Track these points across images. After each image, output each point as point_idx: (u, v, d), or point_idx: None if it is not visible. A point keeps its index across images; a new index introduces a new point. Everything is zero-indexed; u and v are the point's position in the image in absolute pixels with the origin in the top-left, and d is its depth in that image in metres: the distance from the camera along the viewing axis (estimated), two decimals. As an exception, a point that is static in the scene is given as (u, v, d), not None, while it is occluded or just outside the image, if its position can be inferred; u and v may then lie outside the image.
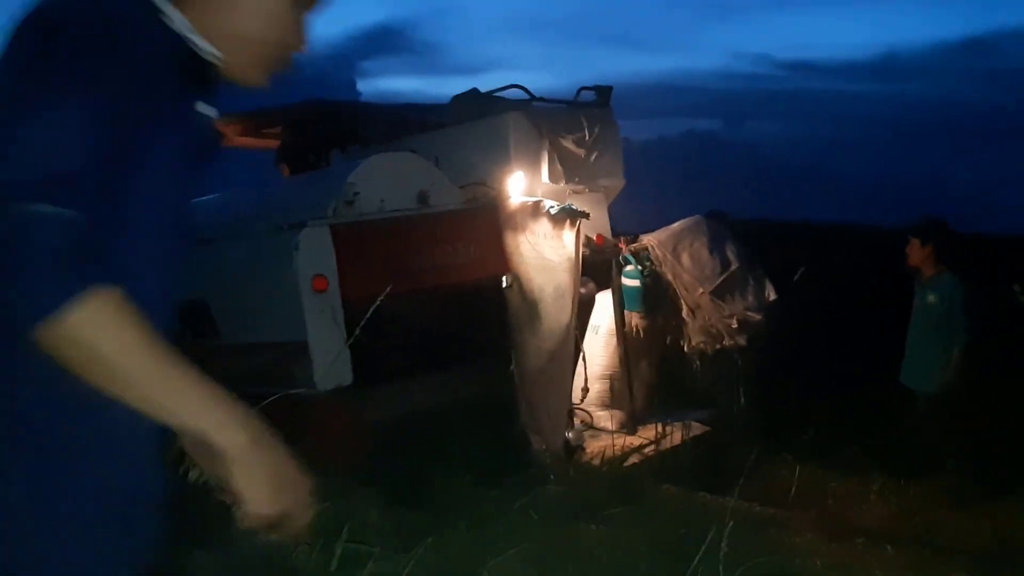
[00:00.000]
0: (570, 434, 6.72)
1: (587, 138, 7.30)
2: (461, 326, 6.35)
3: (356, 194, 5.99)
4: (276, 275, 5.68)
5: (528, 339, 6.44)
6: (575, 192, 7.24)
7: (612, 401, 7.75)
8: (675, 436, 7.34)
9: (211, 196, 7.99)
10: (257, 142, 8.75)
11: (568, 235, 6.30)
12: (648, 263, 7.79)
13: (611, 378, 7.74)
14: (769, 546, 3.83)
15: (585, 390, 7.43)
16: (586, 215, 6.38)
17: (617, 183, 7.70)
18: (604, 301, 7.82)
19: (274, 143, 8.51)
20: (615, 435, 7.36)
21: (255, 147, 8.85)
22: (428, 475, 5.00)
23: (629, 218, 8.80)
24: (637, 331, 7.95)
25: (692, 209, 8.56)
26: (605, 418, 7.64)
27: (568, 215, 6.24)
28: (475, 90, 7.45)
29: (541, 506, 4.25)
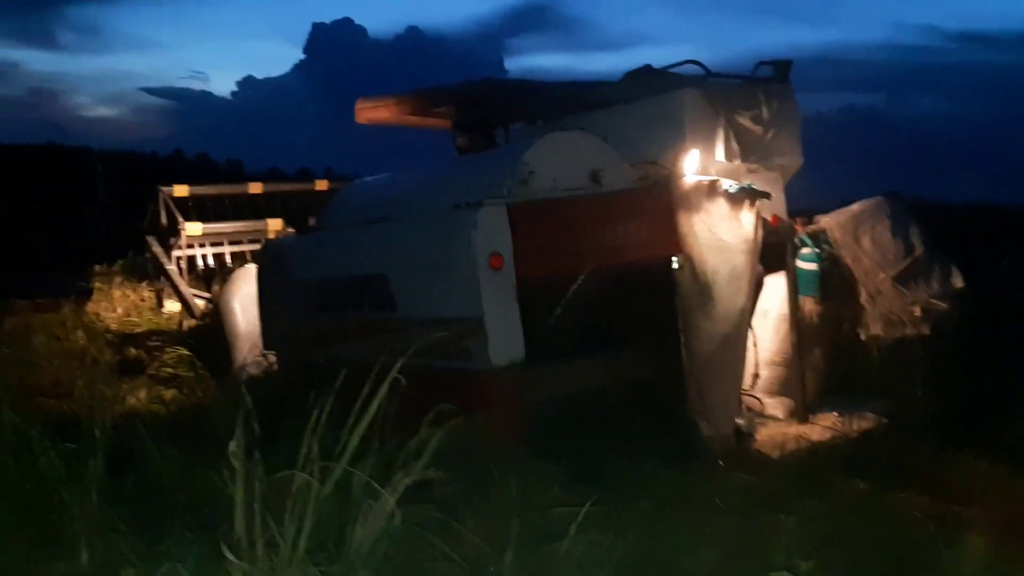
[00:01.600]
0: (741, 421, 6.53)
1: (764, 115, 7.04)
2: (630, 307, 6.29)
3: (531, 173, 6.00)
4: (453, 253, 5.77)
5: (700, 322, 6.29)
6: (750, 171, 6.99)
7: (781, 388, 7.49)
8: (851, 427, 7.02)
9: (386, 175, 8.24)
10: (427, 121, 8.90)
11: (747, 216, 6.09)
12: (826, 246, 7.47)
13: (781, 365, 7.49)
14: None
15: (755, 376, 7.21)
16: (767, 195, 6.16)
17: (794, 162, 7.39)
18: (773, 284, 7.54)
19: (443, 122, 8.63)
20: (786, 424, 7.14)
21: (425, 126, 9.01)
22: (602, 454, 4.96)
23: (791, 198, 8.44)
24: (811, 317, 7.65)
25: (854, 189, 8.13)
26: (774, 405, 7.40)
27: (748, 195, 6.03)
28: (648, 67, 7.31)
29: (723, 493, 4.13)
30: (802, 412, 7.26)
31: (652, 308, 6.25)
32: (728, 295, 6.21)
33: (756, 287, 7.49)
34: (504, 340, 5.63)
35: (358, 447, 2.87)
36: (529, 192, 5.98)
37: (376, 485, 2.55)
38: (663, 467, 4.88)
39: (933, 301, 7.52)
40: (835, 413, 7.30)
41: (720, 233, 6.18)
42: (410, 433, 3.76)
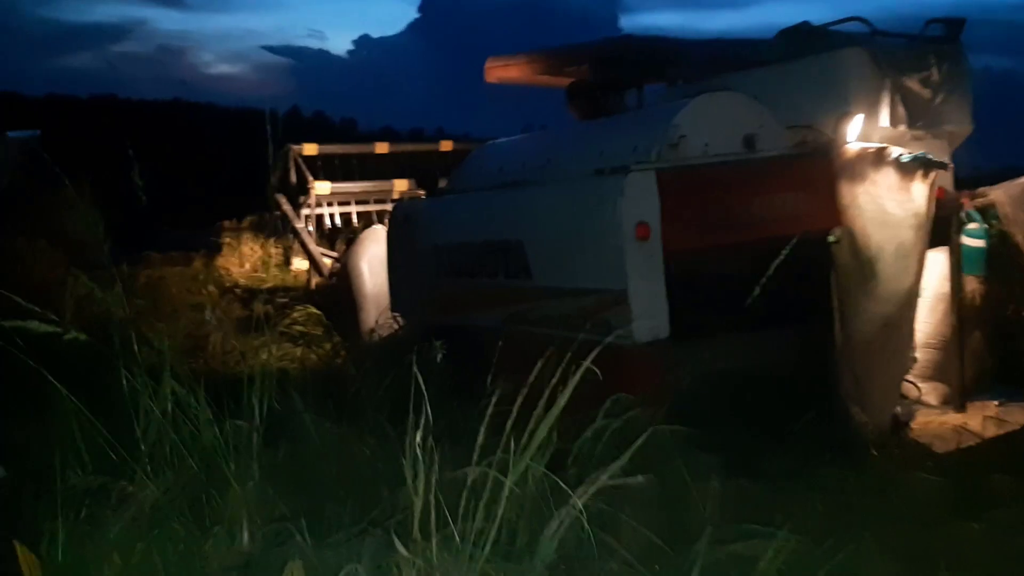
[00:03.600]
0: (899, 409, 6.09)
1: (934, 77, 6.46)
2: (783, 284, 5.90)
3: (681, 137, 5.67)
4: (596, 221, 5.51)
5: (860, 302, 5.84)
6: (916, 138, 6.44)
7: (936, 373, 6.97)
8: (1015, 417, 6.48)
9: (522, 137, 8.02)
10: (558, 80, 8.60)
11: (919, 187, 5.60)
12: (995, 221, 6.86)
13: (937, 348, 6.96)
14: None
15: (913, 360, 6.71)
16: (945, 166, 5.64)
17: (964, 128, 6.78)
18: (932, 261, 6.98)
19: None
20: (940, 411, 6.66)
21: (555, 86, 8.72)
22: (754, 442, 4.66)
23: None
24: (972, 297, 7.07)
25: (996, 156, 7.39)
26: (928, 391, 6.90)
27: (921, 165, 5.53)
28: (806, 23, 6.81)
29: (900, 495, 3.79)
30: (958, 400, 6.76)
31: (808, 286, 5.83)
32: (894, 274, 5.75)
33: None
34: (648, 315, 5.36)
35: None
36: (679, 157, 5.65)
37: (564, 486, 2.34)
38: (819, 459, 4.55)
39: (1113, 284, 6.84)
40: (995, 402, 6.77)
41: (887, 206, 5.70)
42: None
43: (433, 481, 2.24)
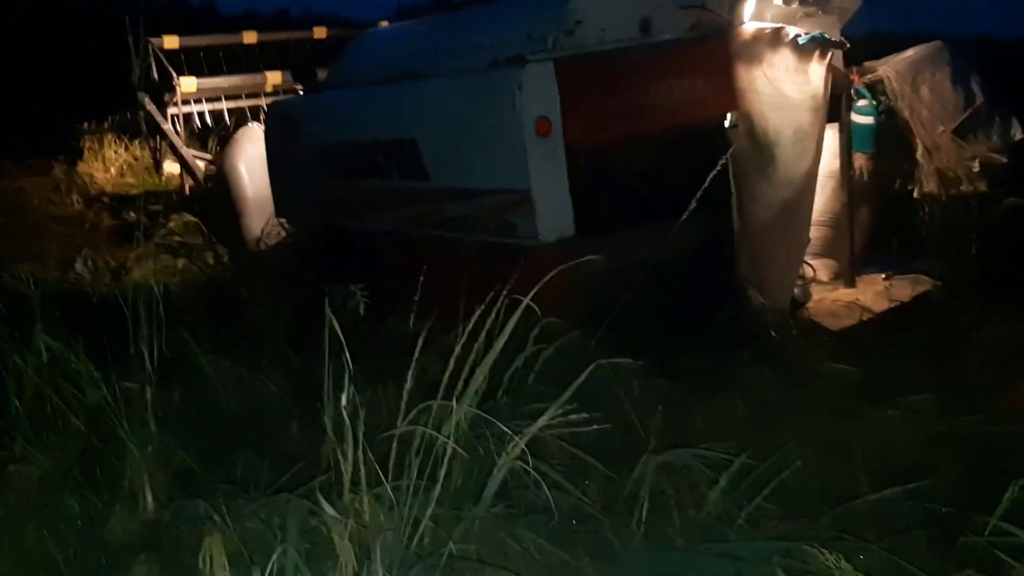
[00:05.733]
0: (797, 290, 6.19)
1: (824, -50, 6.32)
2: (684, 172, 5.80)
3: (577, 23, 5.38)
4: (494, 116, 5.23)
5: (758, 187, 5.82)
6: (807, 15, 6.33)
7: (827, 250, 7.12)
8: (903, 291, 6.70)
9: (406, 23, 7.53)
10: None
11: (816, 69, 5.52)
12: (883, 97, 6.90)
13: (828, 225, 7.08)
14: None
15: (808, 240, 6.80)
16: (843, 46, 5.56)
17: (853, 4, 6.69)
18: (822, 139, 7.03)
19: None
20: (831, 287, 6.83)
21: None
22: (666, 338, 4.62)
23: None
24: (860, 173, 7.18)
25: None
26: (819, 267, 7.05)
27: (819, 45, 5.43)
28: None
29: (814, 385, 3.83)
30: (849, 275, 6.93)
31: (710, 173, 5.76)
32: (792, 157, 5.72)
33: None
34: (553, 213, 5.19)
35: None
36: (575, 45, 5.38)
37: (504, 428, 2.18)
38: (733, 351, 4.56)
39: (992, 155, 7.04)
40: (883, 275, 6.98)
41: (784, 88, 5.62)
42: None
43: (361, 438, 2.04)
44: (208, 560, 1.91)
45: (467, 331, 2.38)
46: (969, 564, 2.16)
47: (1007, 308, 6.08)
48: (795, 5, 6.25)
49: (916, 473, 2.89)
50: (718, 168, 5.74)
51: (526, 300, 2.53)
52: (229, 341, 3.66)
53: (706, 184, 5.81)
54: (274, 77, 10.62)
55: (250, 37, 11.14)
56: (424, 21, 7.04)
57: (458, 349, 2.27)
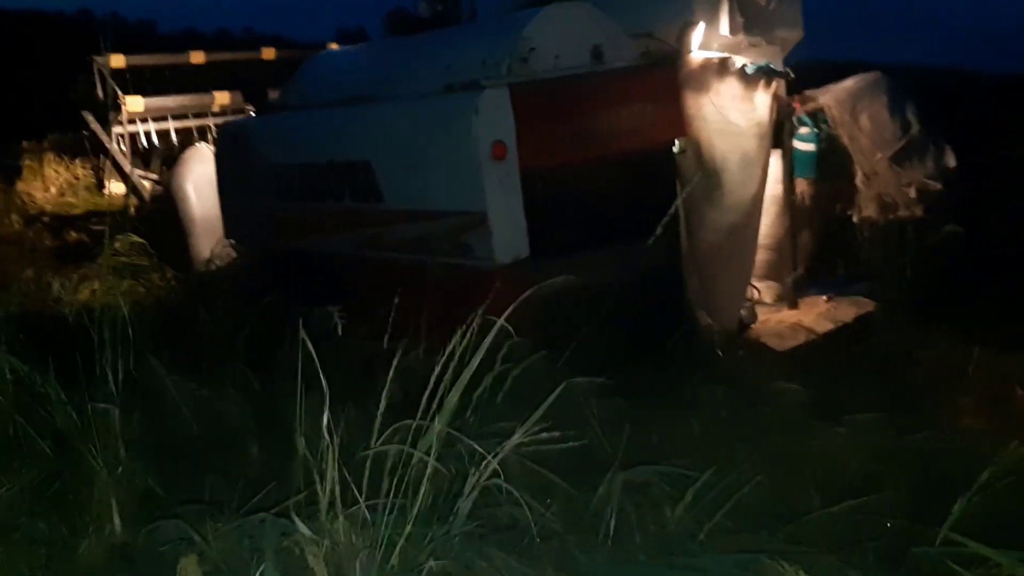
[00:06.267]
0: (743, 311, 6.36)
1: (768, -17, 6.55)
2: (635, 196, 5.93)
3: (531, 50, 5.50)
4: (450, 140, 5.30)
5: (706, 211, 5.98)
6: (752, 45, 6.54)
7: (769, 272, 7.32)
8: (845, 312, 6.93)
9: (360, 46, 7.57)
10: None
11: (762, 97, 5.71)
12: (824, 125, 7.15)
13: (771, 249, 7.29)
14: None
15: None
16: (787, 75, 5.76)
17: (795, 34, 6.94)
18: (764, 165, 7.24)
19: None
20: (775, 309, 7.02)
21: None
22: (622, 358, 4.71)
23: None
24: (803, 198, 7.41)
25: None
26: (763, 289, 7.25)
27: (764, 75, 5.63)
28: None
29: (769, 403, 3.95)
30: (792, 297, 7.13)
31: (660, 196, 5.90)
32: (738, 183, 5.90)
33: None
34: (509, 235, 5.27)
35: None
36: (530, 72, 5.49)
37: (478, 447, 2.22)
38: (687, 371, 4.67)
39: (928, 181, 7.33)
40: (824, 297, 7.20)
41: (731, 116, 5.80)
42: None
43: (337, 459, 2.07)
44: (184, 580, 1.91)
45: (441, 351, 2.42)
46: (920, 574, 2.27)
47: (942, 328, 6.34)
48: (741, 36, 6.47)
49: (865, 488, 3.01)
50: (678, 197, 5.94)
51: (500, 321, 2.54)
52: (187, 362, 3.64)
53: (663, 208, 6.03)
54: (222, 97, 10.55)
55: (197, 57, 11.06)
56: (378, 44, 7.11)
57: (438, 369, 2.31)
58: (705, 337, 6.10)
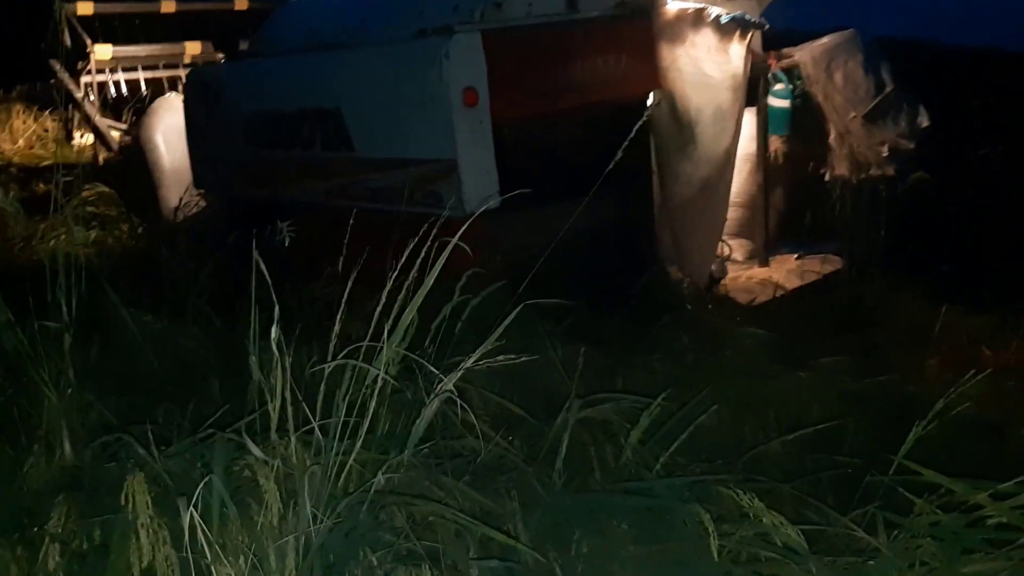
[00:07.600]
0: (714, 267, 6.36)
1: (745, -66, 6.47)
2: (608, 147, 5.89)
3: (505, -5, 5.40)
4: (420, 86, 5.23)
5: (678, 165, 5.96)
6: (727, -3, 6.50)
7: (741, 230, 7.33)
8: (814, 269, 6.97)
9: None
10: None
11: (737, 49, 5.66)
12: (799, 82, 7.12)
13: (743, 206, 7.29)
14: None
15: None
16: (762, 26, 5.72)
17: (772, -11, 6.90)
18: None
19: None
20: (746, 266, 7.05)
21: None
22: (589, 305, 4.70)
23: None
24: (775, 156, 7.40)
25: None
26: (735, 247, 7.26)
27: (739, 26, 5.58)
28: None
29: (737, 349, 3.96)
30: (763, 255, 7.16)
31: (633, 149, 5.87)
32: (712, 136, 5.87)
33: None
34: (479, 184, 5.22)
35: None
36: (503, 17, 5.41)
37: (432, 368, 2.20)
38: (652, 319, 4.67)
39: (900, 140, 7.34)
40: (795, 255, 7.24)
41: (705, 68, 5.76)
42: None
43: (289, 377, 2.05)
44: (131, 498, 1.89)
45: (393, 277, 2.39)
46: (873, 501, 2.28)
47: (912, 286, 6.39)
48: (716, -13, 6.41)
49: (827, 429, 3.03)
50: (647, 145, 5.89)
51: (454, 240, 2.50)
52: (150, 301, 3.59)
53: (629, 160, 6.00)
54: (193, 47, 10.35)
55: (168, 6, 10.82)
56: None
57: (389, 285, 2.28)
58: (674, 289, 6.12)
